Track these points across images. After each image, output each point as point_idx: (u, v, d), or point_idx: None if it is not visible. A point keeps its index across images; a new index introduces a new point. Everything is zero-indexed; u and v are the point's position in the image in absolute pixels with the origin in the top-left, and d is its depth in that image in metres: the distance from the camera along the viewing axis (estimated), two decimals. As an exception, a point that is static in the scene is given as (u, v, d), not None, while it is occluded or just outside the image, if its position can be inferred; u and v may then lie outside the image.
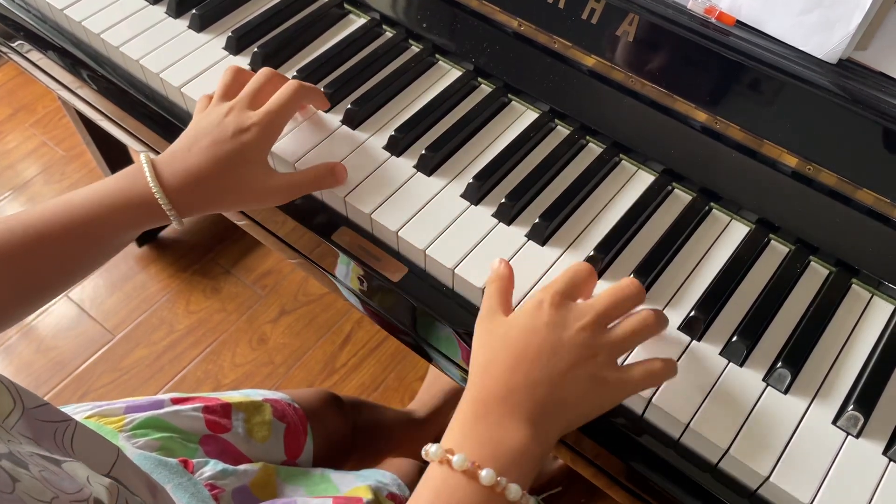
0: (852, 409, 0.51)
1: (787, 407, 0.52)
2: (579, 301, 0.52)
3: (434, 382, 1.30)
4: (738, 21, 0.56)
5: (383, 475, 0.76)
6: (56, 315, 1.48)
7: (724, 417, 0.51)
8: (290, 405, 0.81)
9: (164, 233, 1.58)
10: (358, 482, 0.72)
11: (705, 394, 0.52)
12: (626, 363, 0.52)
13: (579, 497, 1.26)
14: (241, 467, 0.68)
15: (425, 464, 0.47)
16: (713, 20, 0.56)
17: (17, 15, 0.82)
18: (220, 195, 0.59)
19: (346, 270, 0.66)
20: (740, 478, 0.51)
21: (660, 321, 0.52)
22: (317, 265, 0.68)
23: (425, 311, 0.60)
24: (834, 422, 0.51)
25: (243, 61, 0.73)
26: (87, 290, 1.51)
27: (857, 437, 0.51)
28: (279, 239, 0.71)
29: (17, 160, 1.72)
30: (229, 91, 0.62)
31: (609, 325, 0.51)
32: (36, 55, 0.83)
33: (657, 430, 0.53)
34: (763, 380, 0.53)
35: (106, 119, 0.84)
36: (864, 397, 0.52)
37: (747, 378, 0.53)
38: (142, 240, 1.55)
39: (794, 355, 0.54)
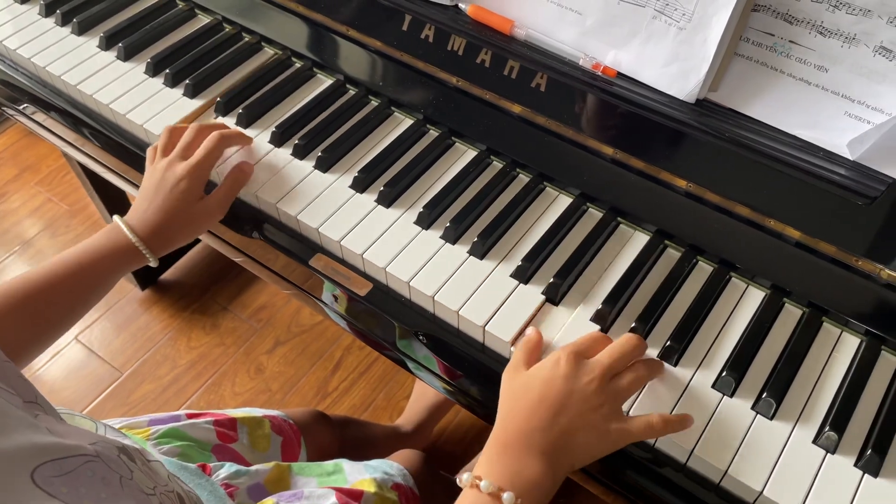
0: (726, 375, 0.64)
1: (676, 374, 0.65)
2: (591, 358, 0.61)
3: (419, 399, 1.41)
4: (619, 73, 0.70)
5: (390, 466, 0.86)
6: (67, 357, 1.60)
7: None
8: (286, 421, 0.93)
9: (163, 276, 1.70)
10: (366, 473, 0.81)
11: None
12: (632, 412, 0.63)
13: (558, 498, 1.37)
14: (254, 467, 0.78)
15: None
16: (600, 73, 0.70)
17: (23, 83, 0.96)
18: (177, 232, 0.77)
19: (331, 297, 0.79)
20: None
21: (652, 370, 0.63)
22: (308, 293, 0.81)
23: (387, 318, 0.73)
24: (713, 385, 0.65)
25: (229, 121, 0.87)
26: (95, 332, 1.63)
27: (732, 396, 0.64)
28: (274, 273, 0.85)
29: (24, 217, 1.85)
30: (167, 148, 0.79)
31: (613, 377, 0.61)
32: (41, 116, 0.97)
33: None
34: (657, 349, 0.66)
35: (110, 172, 0.97)
36: (737, 363, 0.65)
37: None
38: (143, 284, 1.67)
39: (682, 334, 0.67)
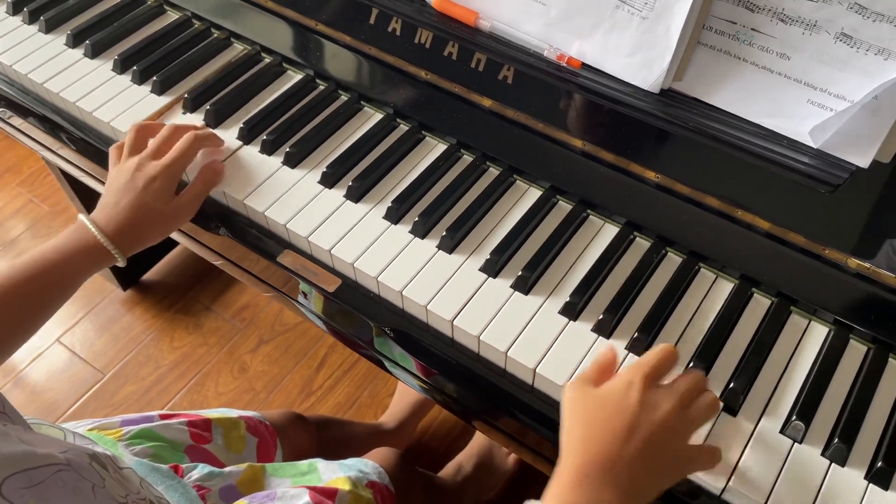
0: (694, 366, 0.64)
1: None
2: (662, 383, 0.58)
3: (402, 397, 1.41)
4: (583, 64, 0.70)
5: (365, 464, 0.85)
6: (49, 359, 1.59)
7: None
8: (262, 422, 0.92)
9: (145, 276, 1.70)
10: (340, 472, 0.80)
11: (579, 360, 0.65)
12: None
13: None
14: (227, 469, 0.77)
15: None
16: (564, 64, 0.70)
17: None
18: (148, 231, 0.75)
19: (303, 295, 0.78)
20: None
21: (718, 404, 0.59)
22: (287, 296, 0.81)
23: (356, 314, 0.73)
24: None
25: (197, 118, 0.86)
26: (77, 334, 1.62)
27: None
28: (253, 276, 0.84)
29: (6, 218, 1.84)
30: (136, 147, 0.77)
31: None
32: (17, 120, 0.96)
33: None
34: (625, 341, 0.66)
35: (87, 175, 0.97)
36: (705, 354, 0.65)
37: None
38: (125, 284, 1.66)
39: (650, 325, 0.67)
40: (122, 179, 0.75)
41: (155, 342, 1.61)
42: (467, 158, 0.82)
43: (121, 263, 0.74)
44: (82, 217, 0.73)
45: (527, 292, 0.70)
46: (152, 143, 0.77)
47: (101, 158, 0.89)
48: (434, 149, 0.83)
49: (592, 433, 0.55)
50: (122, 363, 1.58)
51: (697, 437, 0.61)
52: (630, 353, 0.66)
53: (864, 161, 0.60)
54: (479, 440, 1.34)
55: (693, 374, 0.59)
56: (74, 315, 1.65)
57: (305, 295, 0.78)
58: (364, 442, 1.25)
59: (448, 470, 1.30)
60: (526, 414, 0.67)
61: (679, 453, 0.56)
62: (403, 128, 0.84)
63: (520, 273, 0.71)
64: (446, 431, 1.47)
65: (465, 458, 1.31)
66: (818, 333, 0.67)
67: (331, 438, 1.12)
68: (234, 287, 1.68)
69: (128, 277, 1.66)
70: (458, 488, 1.25)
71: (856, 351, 0.66)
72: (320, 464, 0.82)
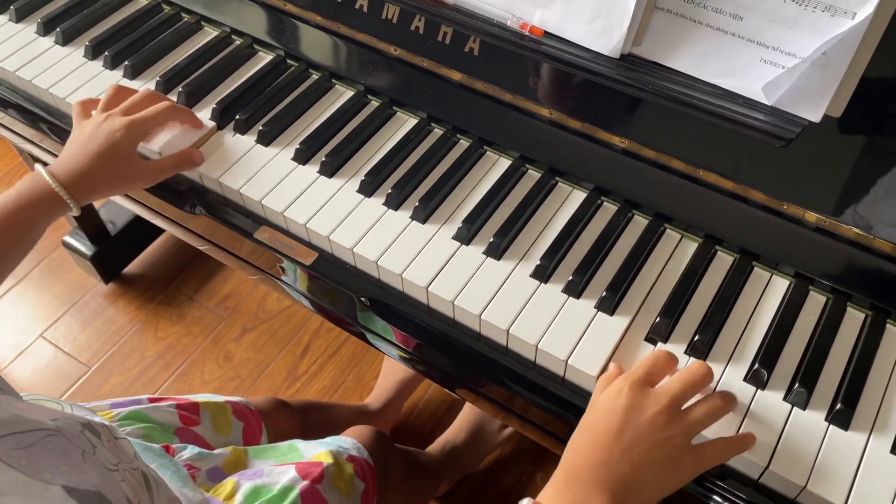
0: (660, 321, 0.66)
1: (612, 322, 0.67)
2: (657, 386, 0.58)
3: (387, 377, 1.43)
4: (545, 32, 0.72)
5: (345, 440, 0.87)
6: (33, 355, 1.59)
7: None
8: (248, 407, 0.94)
9: (127, 269, 1.70)
10: (321, 448, 0.82)
11: (550, 320, 0.67)
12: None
13: (527, 466, 1.39)
14: (216, 451, 0.79)
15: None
16: (527, 33, 0.72)
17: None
18: (103, 183, 0.75)
19: (293, 277, 0.80)
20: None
21: (728, 403, 0.59)
22: (274, 277, 0.82)
23: (333, 285, 0.74)
24: (647, 334, 0.66)
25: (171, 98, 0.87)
26: (60, 329, 1.62)
27: (666, 342, 0.66)
28: (239, 258, 0.85)
29: (-15, 217, 1.83)
30: (110, 104, 0.78)
31: (683, 407, 0.58)
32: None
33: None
34: (594, 300, 0.68)
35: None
36: (671, 310, 0.67)
37: (583, 307, 0.68)
38: (107, 278, 1.66)
39: (618, 284, 0.69)
40: (85, 131, 0.75)
41: (139, 334, 1.61)
42: (438, 131, 0.83)
43: (75, 212, 0.73)
44: (38, 167, 0.73)
45: (499, 258, 0.72)
46: (124, 103, 0.78)
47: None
48: (405, 123, 0.84)
49: (583, 437, 0.58)
50: (107, 355, 1.58)
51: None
52: (599, 312, 0.68)
53: (815, 115, 0.62)
54: (466, 414, 1.36)
55: (694, 368, 0.59)
56: (57, 310, 1.65)
57: (284, 271, 0.79)
58: (348, 424, 1.25)
59: (436, 445, 1.31)
60: (505, 375, 0.69)
61: (674, 456, 0.56)
62: (374, 104, 0.86)
63: (491, 240, 0.72)
64: (432, 411, 1.49)
65: (453, 434, 1.33)
66: (780, 286, 0.70)
67: (314, 422, 1.14)
68: (217, 277, 1.69)
69: (109, 271, 1.66)
70: (442, 462, 1.27)
71: (816, 301, 0.69)
72: (300, 444, 0.84)
